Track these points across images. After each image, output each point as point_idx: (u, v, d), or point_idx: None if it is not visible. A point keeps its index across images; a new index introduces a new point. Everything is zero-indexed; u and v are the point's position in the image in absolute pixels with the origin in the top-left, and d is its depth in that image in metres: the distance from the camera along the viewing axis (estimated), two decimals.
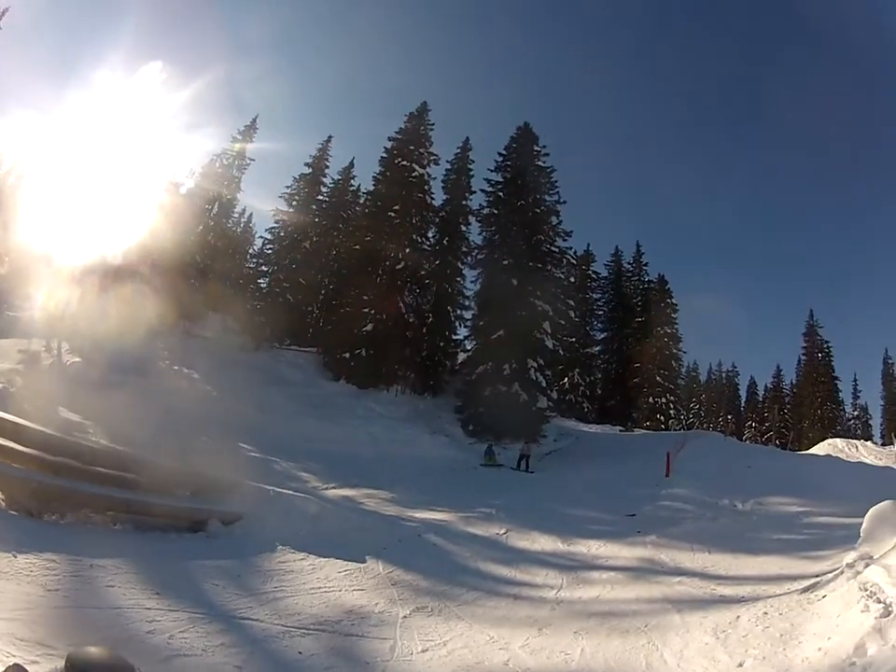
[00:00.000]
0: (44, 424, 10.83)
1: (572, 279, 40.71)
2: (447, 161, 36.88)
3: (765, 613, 6.46)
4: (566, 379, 42.57)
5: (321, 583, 8.06)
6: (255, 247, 43.65)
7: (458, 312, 34.85)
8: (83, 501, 8.56)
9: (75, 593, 6.06)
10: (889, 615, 5.03)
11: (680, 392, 48.43)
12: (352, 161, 42.07)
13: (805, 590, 6.89)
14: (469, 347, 33.72)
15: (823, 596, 6.37)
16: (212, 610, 6.47)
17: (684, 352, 47.73)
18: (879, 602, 5.28)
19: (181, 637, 5.61)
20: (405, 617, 7.22)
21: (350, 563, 8.94)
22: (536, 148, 34.75)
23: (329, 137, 40.75)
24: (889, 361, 56.01)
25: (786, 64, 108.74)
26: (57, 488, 8.42)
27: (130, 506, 9.01)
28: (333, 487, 15.71)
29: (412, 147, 35.20)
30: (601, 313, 50.53)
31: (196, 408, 20.43)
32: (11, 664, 2.02)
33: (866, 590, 5.65)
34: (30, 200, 32.61)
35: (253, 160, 37.01)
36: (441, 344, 34.32)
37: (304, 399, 26.79)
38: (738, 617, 6.57)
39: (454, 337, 35.07)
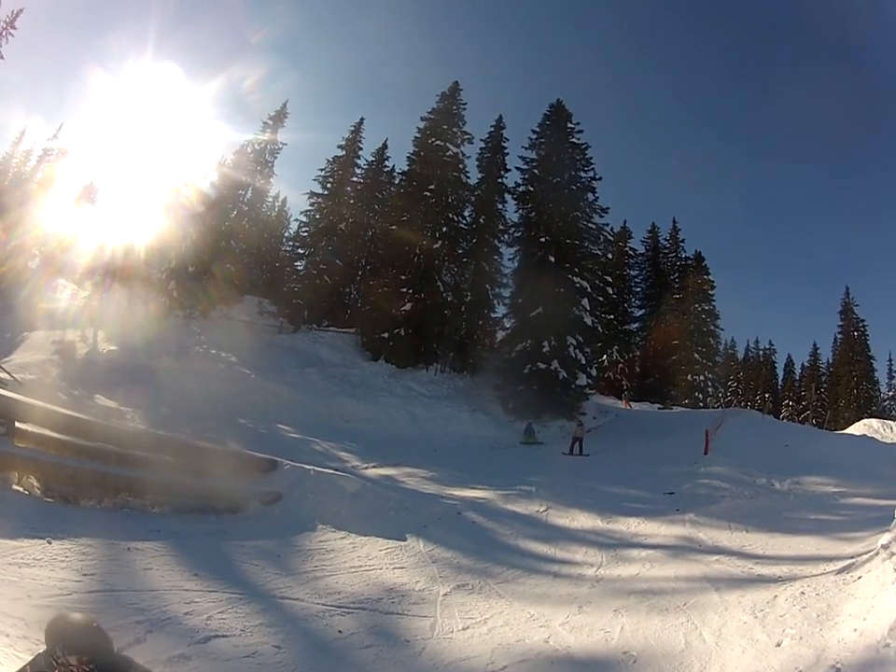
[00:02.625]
0: (80, 411, 11.19)
1: (609, 256, 40.49)
2: (481, 140, 36.48)
3: (802, 593, 6.50)
4: (604, 356, 42.38)
5: (361, 562, 8.28)
6: (290, 231, 44.17)
7: (496, 290, 34.50)
8: (121, 485, 8.79)
9: (111, 577, 6.28)
10: None
11: (718, 370, 47.74)
12: (385, 142, 42.27)
13: (841, 571, 6.91)
14: (507, 325, 33.47)
15: (859, 577, 6.40)
16: (251, 591, 6.70)
17: (722, 329, 47.27)
18: None
19: (219, 617, 5.83)
20: (445, 595, 7.42)
21: (390, 541, 9.16)
22: (569, 125, 34.21)
23: (362, 119, 40.76)
24: None
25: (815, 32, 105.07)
26: (93, 473, 8.64)
27: (168, 488, 9.23)
28: (373, 466, 15.94)
29: (445, 127, 34.85)
30: (639, 290, 50.51)
31: (233, 390, 20.89)
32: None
33: None
34: (59, 194, 33.49)
35: (285, 144, 36.90)
36: (480, 322, 34.25)
37: (343, 379, 27.01)
38: (776, 597, 6.61)
39: (492, 315, 34.84)
